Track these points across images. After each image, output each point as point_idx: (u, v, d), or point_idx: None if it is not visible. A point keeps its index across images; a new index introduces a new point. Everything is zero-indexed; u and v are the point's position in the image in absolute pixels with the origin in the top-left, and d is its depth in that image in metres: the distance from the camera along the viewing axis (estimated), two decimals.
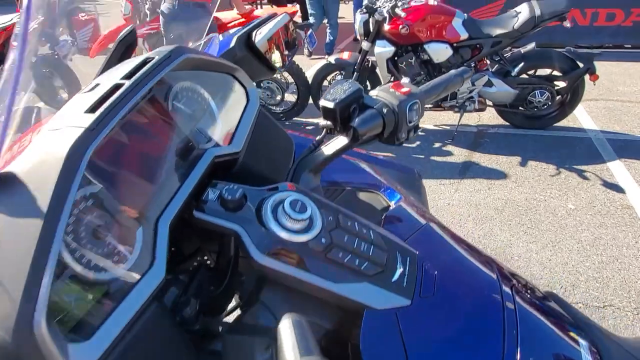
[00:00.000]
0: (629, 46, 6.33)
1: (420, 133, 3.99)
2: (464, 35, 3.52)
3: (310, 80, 4.09)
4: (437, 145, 3.76)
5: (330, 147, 0.78)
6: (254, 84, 0.82)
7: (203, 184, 0.66)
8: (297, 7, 6.47)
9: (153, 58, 0.61)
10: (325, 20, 6.33)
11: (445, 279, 0.67)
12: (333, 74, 4.04)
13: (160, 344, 0.55)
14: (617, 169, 3.23)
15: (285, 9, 4.61)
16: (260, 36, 0.95)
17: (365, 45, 3.73)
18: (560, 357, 0.68)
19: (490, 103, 3.80)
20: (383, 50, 3.65)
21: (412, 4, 3.55)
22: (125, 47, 0.84)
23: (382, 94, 0.78)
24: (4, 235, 0.46)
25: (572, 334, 0.72)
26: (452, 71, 0.92)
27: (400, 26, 3.46)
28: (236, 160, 0.74)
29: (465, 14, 3.65)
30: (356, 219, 0.67)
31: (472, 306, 0.67)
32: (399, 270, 0.64)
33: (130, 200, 0.58)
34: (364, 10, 3.70)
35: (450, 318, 0.64)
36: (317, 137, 0.79)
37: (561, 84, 3.62)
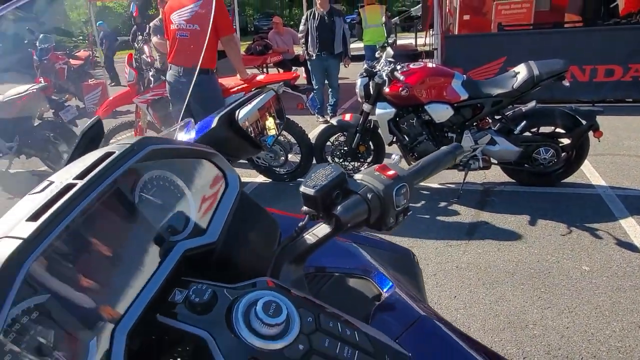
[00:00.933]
0: (630, 100, 6.37)
1: (424, 192, 3.94)
2: (464, 95, 3.54)
3: (313, 141, 4.11)
4: (442, 204, 3.69)
5: (313, 235, 0.73)
6: (234, 169, 0.78)
7: (172, 280, 0.60)
8: (299, 71, 6.65)
9: (113, 152, 0.58)
10: (327, 83, 6.48)
11: None
12: (335, 135, 4.07)
13: None
14: (631, 227, 3.12)
15: (286, 74, 4.72)
16: (242, 115, 0.93)
17: (366, 107, 3.77)
18: None
19: (495, 161, 3.77)
20: (384, 112, 3.68)
21: (411, 66, 3.61)
22: (89, 139, 0.81)
23: (366, 177, 0.73)
24: None
25: None
26: (443, 148, 0.87)
27: (400, 88, 3.50)
28: (212, 252, 0.69)
29: (464, 75, 3.70)
30: (340, 318, 0.60)
31: None
32: None
33: (83, 308, 0.52)
34: (364, 73, 3.77)
35: None
36: (300, 224, 0.74)
37: (565, 141, 3.59)
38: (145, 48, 4.29)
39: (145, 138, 0.62)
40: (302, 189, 0.69)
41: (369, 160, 4.06)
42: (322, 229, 0.72)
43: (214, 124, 0.90)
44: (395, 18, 14.71)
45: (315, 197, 0.68)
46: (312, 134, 4.01)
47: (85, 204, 0.50)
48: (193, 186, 0.72)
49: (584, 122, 3.43)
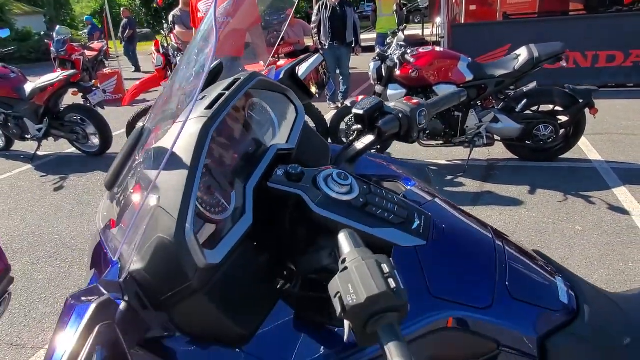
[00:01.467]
0: (632, 85, 6.62)
1: (433, 168, 4.24)
2: (469, 76, 3.84)
3: (329, 123, 4.42)
4: (449, 177, 4.00)
5: (361, 143, 1.05)
6: (300, 103, 1.10)
7: (271, 167, 0.92)
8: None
9: (239, 79, 0.90)
10: (338, 71, 6.77)
11: (451, 230, 0.91)
12: (349, 116, 4.37)
13: (248, 269, 0.80)
14: (622, 194, 3.42)
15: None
16: (302, 70, 1.25)
17: (378, 89, 4.07)
18: (540, 284, 0.90)
19: (498, 138, 4.06)
20: (395, 92, 3.99)
21: (420, 50, 3.91)
22: (213, 76, 1.11)
23: (398, 104, 1.06)
24: (163, 181, 0.72)
25: (551, 271, 0.95)
26: (451, 91, 1.19)
27: (410, 70, 3.80)
28: (290, 155, 1.01)
29: (470, 58, 3.99)
30: (384, 188, 0.92)
31: (472, 247, 0.90)
32: (417, 222, 0.88)
33: (227, 171, 0.85)
34: (377, 57, 4.07)
35: (457, 254, 0.87)
36: (350, 139, 1.06)
37: (563, 118, 3.89)
38: (172, 35, 4.61)
39: (255, 72, 0.94)
40: (354, 110, 1.02)
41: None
42: (367, 139, 1.04)
43: (281, 75, 1.22)
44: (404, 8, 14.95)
45: (363, 115, 1.01)
46: (327, 117, 4.31)
47: (232, 104, 0.83)
48: (277, 111, 1.04)
49: (580, 100, 3.71)
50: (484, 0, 10.19)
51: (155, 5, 30.34)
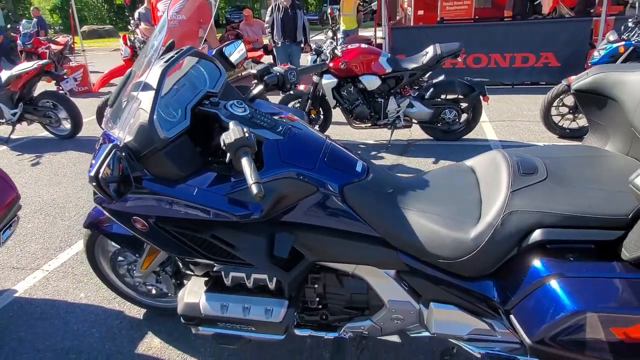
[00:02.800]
0: (544, 83, 7.67)
1: (362, 146, 5.08)
2: (388, 69, 4.68)
3: None
4: (374, 153, 4.85)
5: (256, 90, 1.83)
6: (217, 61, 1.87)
7: (201, 100, 1.68)
8: (262, 52, 7.88)
9: (182, 49, 1.66)
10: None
11: (300, 134, 1.69)
12: (293, 102, 5.15)
13: (187, 148, 1.56)
14: None
15: (255, 54, 5.77)
16: (228, 51, 2.01)
17: (315, 78, 4.86)
18: (346, 160, 1.69)
19: (415, 121, 4.93)
20: (328, 81, 4.79)
21: (349, 46, 4.73)
22: (167, 49, 1.85)
23: (278, 68, 1.84)
24: (142, 96, 1.48)
25: (353, 157, 1.74)
26: (315, 64, 2.00)
27: (340, 63, 4.62)
28: (216, 95, 1.77)
29: (389, 54, 4.84)
30: (264, 112, 1.70)
31: (309, 141, 1.69)
32: (279, 129, 1.65)
33: (177, 99, 1.61)
34: (314, 52, 4.87)
35: (299, 143, 1.66)
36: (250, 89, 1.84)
37: (464, 105, 4.78)
38: (138, 30, 5.27)
39: (191, 47, 1.70)
40: (253, 71, 1.80)
41: (319, 122, 5.17)
42: (258, 88, 1.82)
43: (213, 52, 1.98)
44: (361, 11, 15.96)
45: (257, 74, 1.79)
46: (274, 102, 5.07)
47: (177, 61, 1.59)
48: (209, 72, 1.81)
49: (475, 89, 4.62)
50: (431, 6, 11.16)
51: (119, 2, 30.29)
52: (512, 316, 1.46)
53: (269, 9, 7.50)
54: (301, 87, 5.05)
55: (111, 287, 2.42)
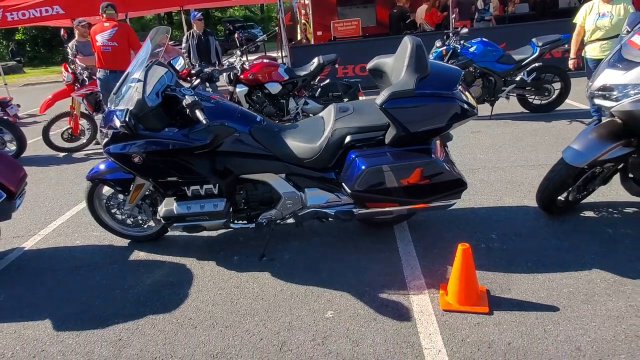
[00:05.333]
0: None
1: None
2: (286, 77, 6.15)
3: None
4: None
5: (195, 82, 3.17)
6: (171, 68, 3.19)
7: (166, 89, 2.99)
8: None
9: (153, 61, 2.97)
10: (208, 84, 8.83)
11: (224, 105, 3.04)
12: None
13: (160, 114, 2.88)
14: None
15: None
16: (174, 62, 3.32)
17: (230, 88, 6.22)
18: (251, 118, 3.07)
19: (311, 115, 6.41)
20: (241, 90, 6.17)
21: (254, 62, 6.15)
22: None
23: (206, 69, 3.21)
24: (137, 87, 2.78)
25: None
26: (229, 67, 3.38)
27: (248, 74, 6.01)
28: (174, 86, 3.08)
29: (286, 65, 6.32)
30: (201, 94, 3.05)
31: (235, 112, 3.04)
32: (211, 102, 3.00)
33: (155, 88, 2.92)
34: (226, 67, 6.23)
35: (227, 110, 3.01)
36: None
37: (347, 100, 6.36)
38: (77, 60, 6.34)
39: (157, 60, 3.02)
40: (193, 71, 3.15)
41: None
42: (196, 81, 3.17)
43: (166, 62, 3.29)
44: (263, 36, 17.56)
45: (195, 73, 3.14)
46: None
47: (151, 66, 2.91)
48: (172, 74, 3.12)
49: (352, 88, 6.21)
50: (326, 27, 12.95)
51: (18, 37, 29.76)
52: (342, 184, 2.90)
53: (184, 37, 8.74)
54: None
55: (103, 226, 3.57)
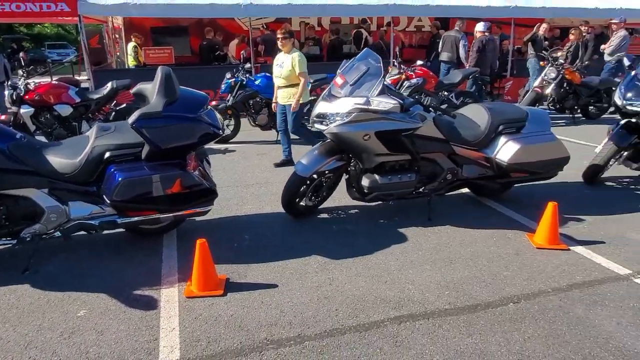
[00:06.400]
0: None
1: None
2: (77, 99, 6.13)
3: None
4: None
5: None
6: None
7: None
8: None
9: None
10: None
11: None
12: None
13: None
14: None
15: None
16: None
17: (14, 108, 5.93)
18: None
19: None
20: (26, 110, 5.94)
21: (41, 83, 6.00)
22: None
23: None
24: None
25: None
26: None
27: (34, 95, 5.84)
28: None
29: (77, 88, 6.30)
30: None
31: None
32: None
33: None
34: (9, 88, 5.95)
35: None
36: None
37: None
38: None
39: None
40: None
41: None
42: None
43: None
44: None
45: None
46: None
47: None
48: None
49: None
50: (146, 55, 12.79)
51: None
52: (104, 195, 3.17)
53: None
54: (2, 117, 6.01)
55: None
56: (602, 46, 9.51)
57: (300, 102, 5.32)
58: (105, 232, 3.50)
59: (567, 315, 2.68)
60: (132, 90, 3.59)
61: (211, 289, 2.94)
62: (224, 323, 2.64)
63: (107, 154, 3.19)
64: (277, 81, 5.49)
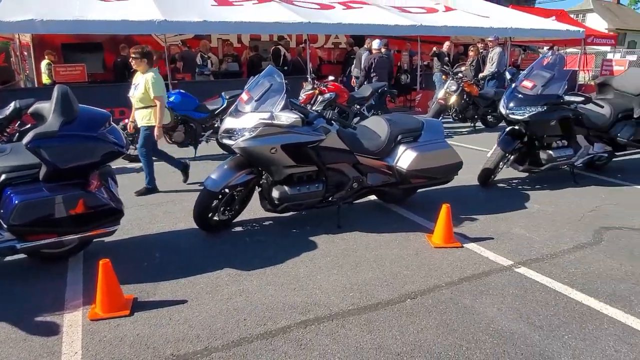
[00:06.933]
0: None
1: None
2: None
3: None
4: None
5: None
6: None
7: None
8: None
9: None
10: None
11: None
12: None
13: None
14: None
15: None
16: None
17: None
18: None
19: None
20: None
21: None
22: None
23: None
24: None
25: None
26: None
27: None
28: None
29: None
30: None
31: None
32: None
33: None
34: None
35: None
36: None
37: None
38: None
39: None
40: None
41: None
42: None
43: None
44: None
45: None
46: None
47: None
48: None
49: None
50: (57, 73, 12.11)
51: None
52: (0, 220, 3.03)
53: None
54: None
55: None
56: (484, 67, 10.28)
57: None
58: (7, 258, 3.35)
59: (457, 306, 2.95)
60: (30, 110, 3.48)
61: (117, 309, 2.90)
62: (129, 343, 2.62)
63: (3, 177, 3.06)
64: (133, 102, 5.36)
